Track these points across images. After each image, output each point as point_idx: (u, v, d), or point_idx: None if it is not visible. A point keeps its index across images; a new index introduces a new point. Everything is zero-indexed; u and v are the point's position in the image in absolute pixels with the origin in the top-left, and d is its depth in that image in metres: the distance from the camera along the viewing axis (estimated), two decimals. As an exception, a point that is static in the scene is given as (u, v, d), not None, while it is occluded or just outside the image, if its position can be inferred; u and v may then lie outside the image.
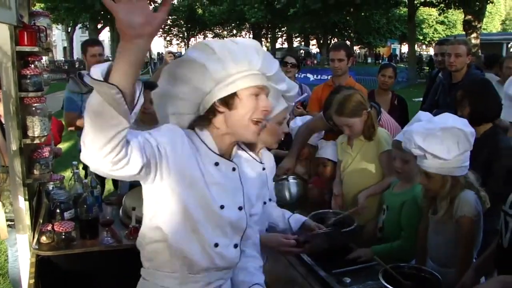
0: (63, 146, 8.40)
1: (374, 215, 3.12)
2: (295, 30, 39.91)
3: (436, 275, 2.21)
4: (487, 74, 5.21)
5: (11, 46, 2.66)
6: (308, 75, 24.44)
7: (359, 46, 55.71)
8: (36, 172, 2.94)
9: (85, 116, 1.35)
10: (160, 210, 1.68)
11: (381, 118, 3.51)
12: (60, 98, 18.96)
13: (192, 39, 55.31)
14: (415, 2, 29.00)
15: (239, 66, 1.65)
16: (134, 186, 3.66)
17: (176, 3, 46.18)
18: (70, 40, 43.28)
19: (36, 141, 2.87)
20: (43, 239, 2.90)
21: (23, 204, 2.87)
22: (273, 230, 2.49)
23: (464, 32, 25.82)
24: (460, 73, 4.46)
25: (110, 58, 14.51)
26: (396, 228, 2.79)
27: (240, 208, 1.77)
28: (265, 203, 2.28)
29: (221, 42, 1.68)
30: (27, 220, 2.89)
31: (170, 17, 48.05)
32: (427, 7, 34.77)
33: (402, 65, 36.66)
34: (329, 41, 43.87)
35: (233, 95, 1.65)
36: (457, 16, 48.48)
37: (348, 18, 38.25)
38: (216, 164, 1.72)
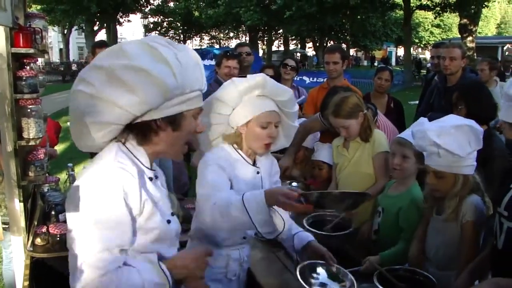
0: (59, 148, 8.38)
1: (368, 218, 3.12)
2: (291, 33, 39.93)
3: (431, 278, 2.21)
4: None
5: (7, 47, 2.66)
6: (304, 77, 24.43)
7: (355, 49, 55.77)
8: (31, 174, 2.93)
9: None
10: None
11: (378, 120, 3.52)
12: (56, 100, 18.89)
13: (189, 41, 55.30)
14: (411, 5, 29.11)
15: (193, 85, 1.61)
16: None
17: (172, 5, 46.17)
18: (66, 42, 43.23)
19: (31, 143, 2.86)
20: (38, 241, 2.89)
21: (18, 206, 2.86)
22: None
23: (459, 36, 25.91)
24: (455, 77, 4.48)
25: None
26: (392, 230, 2.79)
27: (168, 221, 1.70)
28: None
29: (172, 52, 1.55)
30: (21, 222, 2.88)
31: (166, 19, 48.09)
32: (423, 11, 34.83)
33: (398, 68, 36.72)
34: (325, 44, 43.91)
35: (180, 114, 1.59)
36: (452, 19, 48.66)
37: (344, 21, 38.28)
38: (151, 179, 1.66)
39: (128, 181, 1.52)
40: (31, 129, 2.86)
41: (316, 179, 3.67)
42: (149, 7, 42.27)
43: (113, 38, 34.07)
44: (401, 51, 52.88)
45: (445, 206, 2.37)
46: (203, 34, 53.61)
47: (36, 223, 3.09)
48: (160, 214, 1.64)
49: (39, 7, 30.10)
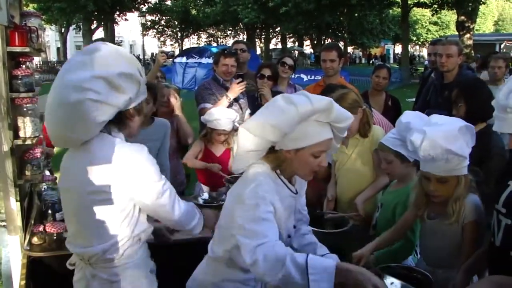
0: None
1: (369, 214, 3.12)
2: (289, 30, 39.87)
3: (428, 275, 2.21)
4: (481, 75, 5.25)
5: (2, 46, 2.65)
6: (302, 75, 24.41)
7: (352, 47, 55.80)
8: (27, 173, 2.93)
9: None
10: None
11: (374, 118, 3.53)
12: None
13: (186, 39, 55.23)
14: (409, 2, 29.11)
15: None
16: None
17: (170, 3, 46.11)
18: (63, 41, 43.13)
19: (28, 142, 2.86)
20: (35, 240, 2.89)
21: (14, 205, 2.86)
22: None
23: (457, 33, 25.94)
24: (452, 74, 4.48)
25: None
26: (389, 226, 2.79)
27: None
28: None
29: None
30: (18, 221, 2.88)
31: (164, 17, 48.03)
32: (420, 8, 34.85)
33: (396, 66, 36.73)
34: (323, 42, 43.89)
35: (142, 103, 2.14)
36: (450, 17, 48.70)
37: (341, 18, 38.29)
38: None
39: None
40: (28, 128, 2.86)
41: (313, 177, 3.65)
42: (146, 5, 42.20)
43: (110, 36, 34.03)
44: (398, 49, 52.89)
45: (449, 209, 2.30)
46: (200, 32, 53.56)
47: (32, 222, 3.08)
48: None
49: (36, 5, 30.00)
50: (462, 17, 25.21)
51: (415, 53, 59.57)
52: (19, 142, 2.82)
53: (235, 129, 3.93)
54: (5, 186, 2.82)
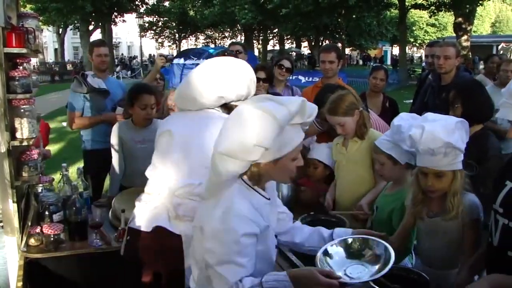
0: (53, 148, 8.36)
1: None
2: (287, 31, 39.90)
3: (425, 276, 2.21)
4: (477, 77, 5.25)
5: (-1, 47, 2.65)
6: (300, 77, 24.44)
7: (350, 48, 55.86)
8: (24, 174, 2.92)
9: None
10: None
11: (371, 119, 3.53)
12: (51, 100, 18.79)
13: (184, 41, 55.23)
14: (406, 4, 29.17)
15: None
16: (124, 188, 3.66)
17: (167, 5, 46.09)
18: (61, 42, 43.07)
19: (25, 143, 2.85)
20: (32, 241, 2.89)
21: (11, 207, 2.85)
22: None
23: (454, 34, 26.00)
24: (449, 75, 4.49)
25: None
26: (383, 229, 2.80)
27: None
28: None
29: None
30: (15, 222, 2.87)
31: (161, 18, 48.02)
32: (418, 10, 34.92)
33: (390, 67, 36.81)
34: (320, 43, 43.94)
35: None
36: (447, 18, 48.86)
37: (339, 20, 38.32)
38: None
39: None
40: (25, 129, 2.85)
41: (310, 178, 3.66)
42: (144, 6, 42.18)
43: (108, 38, 33.98)
44: (396, 50, 52.99)
45: (448, 204, 2.33)
46: (198, 33, 53.59)
47: (29, 223, 3.08)
48: None
49: (33, 6, 29.93)
50: (460, 19, 25.27)
51: (413, 54, 59.68)
52: (16, 143, 2.81)
53: None
54: (2, 187, 2.81)
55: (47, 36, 51.21)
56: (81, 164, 5.19)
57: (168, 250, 2.50)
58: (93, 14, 32.81)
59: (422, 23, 55.75)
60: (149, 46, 58.95)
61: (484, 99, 3.20)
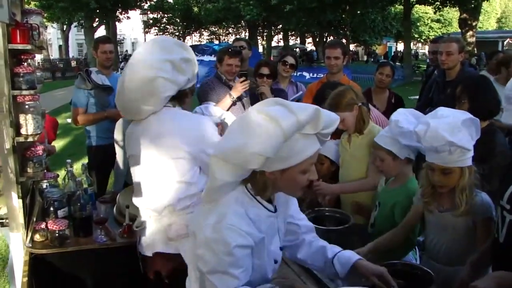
0: (58, 144, 8.38)
1: (368, 212, 3.13)
2: (291, 26, 39.77)
3: (429, 272, 2.21)
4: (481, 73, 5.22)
5: (4, 44, 2.65)
6: (304, 73, 24.41)
7: (355, 44, 55.72)
8: (29, 170, 2.93)
9: None
10: None
11: (371, 115, 3.52)
12: (56, 97, 18.83)
13: (188, 37, 55.20)
14: (411, 0, 29.05)
15: None
16: (128, 184, 3.66)
17: (171, 1, 46.06)
18: (65, 38, 43.17)
19: (30, 139, 2.85)
20: (37, 237, 2.90)
21: (16, 202, 2.86)
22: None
23: (460, 30, 25.87)
24: (454, 71, 4.48)
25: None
26: (387, 224, 2.80)
27: None
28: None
29: None
30: (20, 218, 2.88)
31: (165, 15, 48.00)
32: (423, 5, 34.77)
33: (398, 63, 36.71)
34: (325, 39, 43.84)
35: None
36: (452, 14, 48.66)
37: (343, 16, 38.21)
38: None
39: None
40: (29, 125, 2.86)
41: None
42: (148, 3, 42.17)
43: (112, 34, 34.01)
44: (400, 46, 52.80)
45: (456, 200, 2.34)
46: (202, 30, 53.54)
47: (34, 219, 3.09)
48: None
49: (38, 3, 29.98)
50: (465, 15, 25.15)
51: (417, 50, 59.46)
52: (21, 139, 2.82)
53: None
54: (7, 183, 2.82)
55: (51, 33, 51.32)
56: (85, 160, 5.21)
57: (168, 269, 2.58)
58: (98, 11, 32.85)
59: (427, 19, 55.51)
60: (153, 43, 58.80)
61: (491, 95, 3.19)
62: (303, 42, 54.01)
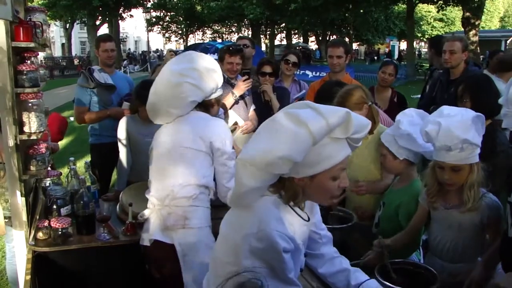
0: (61, 142, 8.38)
1: (372, 212, 3.12)
2: (294, 25, 39.75)
3: (432, 270, 2.22)
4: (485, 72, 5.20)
5: (7, 41, 2.64)
6: (307, 72, 24.38)
7: (357, 43, 55.64)
8: (32, 168, 2.93)
9: None
10: None
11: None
12: (59, 95, 18.83)
13: (191, 35, 55.18)
14: (414, -1, 28.98)
15: None
16: (131, 182, 3.67)
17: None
18: (68, 36, 43.16)
19: (33, 137, 2.85)
20: (40, 235, 2.91)
21: (19, 200, 2.86)
22: None
23: (462, 29, 25.79)
24: (458, 70, 4.47)
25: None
26: (391, 224, 2.80)
27: None
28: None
29: None
30: (23, 216, 2.88)
31: (168, 13, 47.97)
32: (426, 4, 34.71)
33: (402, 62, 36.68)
34: (328, 38, 43.79)
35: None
36: (455, 13, 48.55)
37: (347, 15, 38.16)
38: None
39: None
40: (33, 123, 2.85)
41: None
42: (151, 1, 42.17)
43: (115, 32, 34.03)
44: (403, 45, 52.70)
45: (465, 196, 2.36)
46: (205, 28, 53.50)
47: (38, 217, 3.09)
48: None
49: (40, 1, 30.02)
50: (468, 14, 25.04)
51: (420, 49, 59.36)
52: (24, 137, 2.82)
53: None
54: (11, 181, 2.82)
55: (54, 31, 51.33)
56: (88, 158, 5.21)
57: (163, 259, 2.67)
58: (100, 9, 32.86)
59: (430, 18, 55.41)
60: (157, 41, 58.94)
61: (493, 94, 3.18)
62: (306, 41, 53.93)
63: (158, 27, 50.77)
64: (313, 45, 56.38)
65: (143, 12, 41.88)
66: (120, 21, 37.84)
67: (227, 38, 53.38)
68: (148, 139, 3.81)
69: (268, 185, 1.64)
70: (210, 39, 52.69)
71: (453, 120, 2.28)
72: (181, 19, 48.62)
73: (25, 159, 2.91)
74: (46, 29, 3.18)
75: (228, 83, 4.36)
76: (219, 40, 47.71)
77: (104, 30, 35.27)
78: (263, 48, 45.11)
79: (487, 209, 2.35)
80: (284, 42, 51.54)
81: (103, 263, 3.00)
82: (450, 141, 2.24)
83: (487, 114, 3.09)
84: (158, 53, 45.70)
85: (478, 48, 23.77)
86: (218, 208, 2.70)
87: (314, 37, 51.41)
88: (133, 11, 39.13)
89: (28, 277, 2.63)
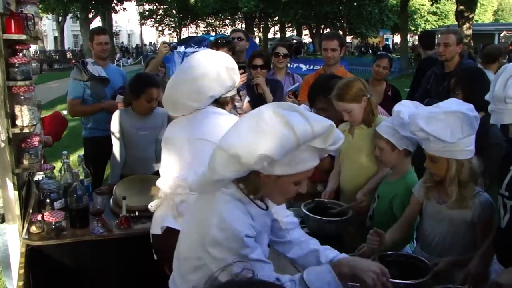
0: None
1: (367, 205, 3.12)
2: (288, 17, 39.66)
3: (425, 261, 2.23)
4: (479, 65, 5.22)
5: (-2, 34, 2.63)
6: (301, 65, 24.39)
7: (351, 36, 55.60)
8: (25, 161, 2.91)
9: None
10: None
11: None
12: (52, 88, 18.71)
13: (184, 29, 54.97)
14: (408, -8, 28.99)
15: None
16: (125, 175, 3.66)
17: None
18: (61, 30, 42.85)
19: (25, 130, 2.83)
20: (33, 229, 2.90)
21: (12, 194, 2.85)
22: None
23: (456, 23, 25.82)
24: (453, 63, 4.48)
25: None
26: (385, 217, 2.81)
27: None
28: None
29: None
30: (16, 210, 2.87)
31: (162, 6, 47.73)
32: (420, -3, 34.73)
33: (395, 55, 36.71)
34: (321, 31, 43.75)
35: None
36: (449, 6, 48.53)
37: (340, 8, 38.11)
38: None
39: None
40: (25, 117, 2.84)
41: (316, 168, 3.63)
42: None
43: (108, 26, 33.82)
44: (397, 38, 52.76)
45: (448, 192, 2.38)
46: (199, 21, 53.31)
47: (31, 211, 3.08)
48: None
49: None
50: (461, 7, 25.03)
51: (414, 42, 59.45)
52: (16, 130, 2.80)
53: None
54: (3, 175, 2.81)
55: (47, 24, 50.92)
56: (82, 152, 5.18)
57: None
58: (93, 2, 32.66)
59: (424, 11, 55.45)
60: (150, 34, 58.68)
61: (485, 87, 3.17)
62: (299, 34, 53.86)
63: (151, 21, 50.53)
64: (306, 39, 56.28)
65: (136, 5, 41.66)
66: (113, 14, 37.62)
67: (221, 31, 53.23)
68: (142, 132, 3.82)
69: (235, 177, 1.68)
70: (204, 32, 52.53)
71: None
72: (175, 12, 48.42)
73: (17, 153, 2.89)
74: (38, 21, 3.15)
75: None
76: (213, 34, 47.54)
77: (97, 23, 35.02)
78: (257, 41, 45.01)
79: (479, 207, 2.36)
80: (278, 35, 51.47)
81: (96, 256, 2.99)
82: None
83: (479, 107, 3.11)
84: (152, 47, 45.45)
85: (472, 42, 23.79)
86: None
87: (307, 30, 51.30)
88: (126, 4, 38.93)
89: (22, 270, 2.62)
